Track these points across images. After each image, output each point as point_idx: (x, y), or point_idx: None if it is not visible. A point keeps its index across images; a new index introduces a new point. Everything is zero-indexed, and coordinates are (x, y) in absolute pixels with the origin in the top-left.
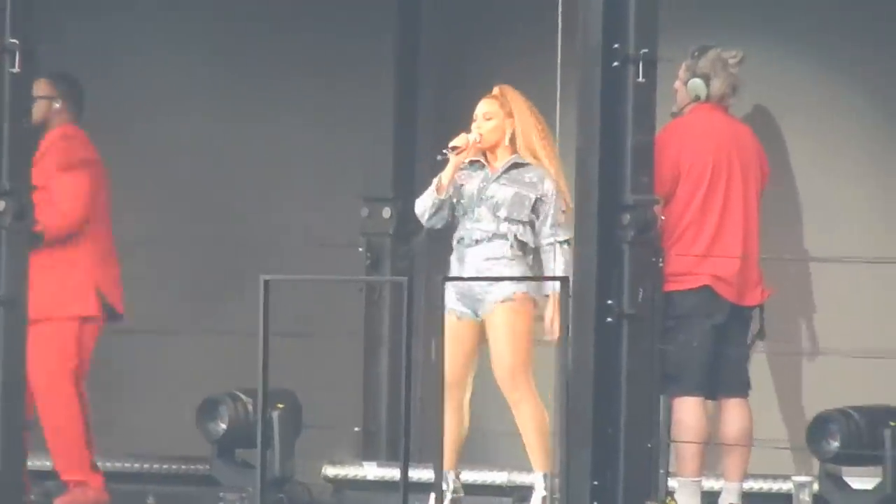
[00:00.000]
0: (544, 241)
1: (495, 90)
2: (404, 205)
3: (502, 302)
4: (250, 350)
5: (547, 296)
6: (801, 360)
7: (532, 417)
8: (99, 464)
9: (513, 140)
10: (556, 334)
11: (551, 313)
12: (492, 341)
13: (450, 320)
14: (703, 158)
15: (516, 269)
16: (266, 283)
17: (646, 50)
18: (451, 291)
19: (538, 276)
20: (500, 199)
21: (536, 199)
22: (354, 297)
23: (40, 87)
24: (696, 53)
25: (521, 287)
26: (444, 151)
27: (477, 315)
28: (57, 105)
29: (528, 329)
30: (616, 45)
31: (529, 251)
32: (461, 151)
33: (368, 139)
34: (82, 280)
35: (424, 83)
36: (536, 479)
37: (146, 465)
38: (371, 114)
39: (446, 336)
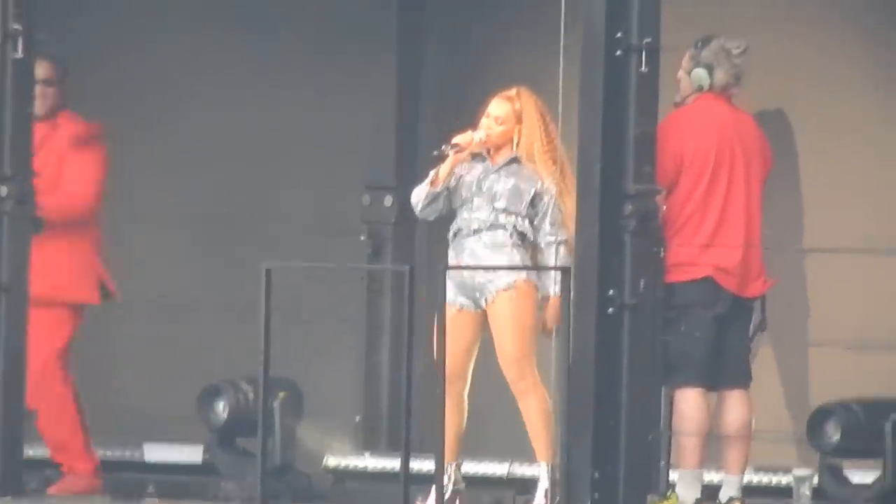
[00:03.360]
0: (543, 241)
1: (513, 91)
2: (406, 193)
3: (505, 290)
4: (251, 337)
5: (547, 298)
6: (802, 352)
7: (537, 407)
8: (99, 452)
9: (518, 145)
10: (550, 330)
11: (549, 313)
12: (495, 331)
13: (449, 313)
14: (706, 148)
15: (517, 257)
16: (268, 270)
17: (649, 39)
18: (449, 284)
19: (539, 266)
20: (499, 191)
21: (535, 194)
22: (356, 286)
23: (44, 70)
24: (700, 43)
25: (522, 274)
26: (444, 147)
27: (478, 306)
28: (61, 88)
29: (532, 316)
30: (619, 35)
31: (529, 243)
32: (462, 150)
33: (371, 126)
34: (86, 267)
35: (427, 70)
36: (541, 470)
37: (146, 453)
38: (373, 101)
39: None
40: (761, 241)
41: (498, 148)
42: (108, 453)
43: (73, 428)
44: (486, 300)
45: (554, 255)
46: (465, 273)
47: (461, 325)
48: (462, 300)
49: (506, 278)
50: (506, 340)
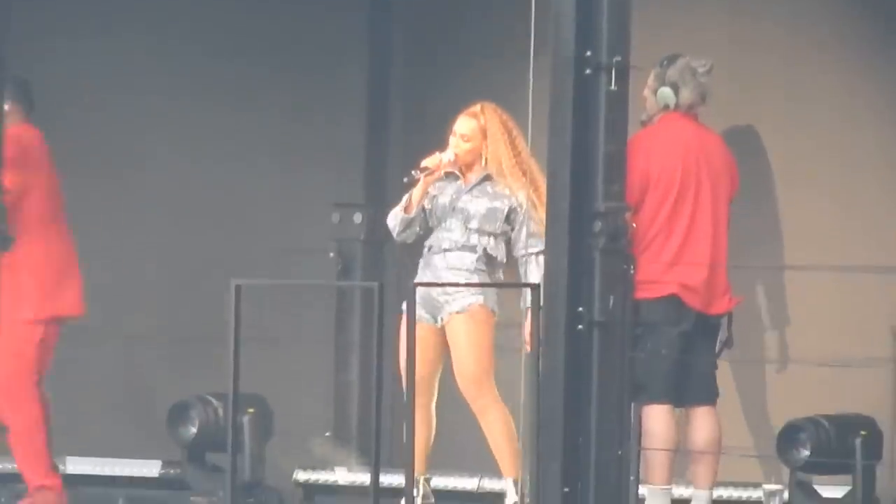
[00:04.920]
0: (519, 253)
1: (477, 107)
2: (375, 210)
3: (458, 312)
4: (221, 354)
5: (527, 308)
6: (769, 369)
7: (498, 424)
8: (71, 467)
9: (487, 161)
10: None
11: (529, 326)
12: (453, 350)
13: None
14: (672, 167)
15: (476, 281)
16: (238, 287)
17: (618, 58)
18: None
19: (508, 283)
20: (473, 212)
21: (510, 210)
22: (325, 303)
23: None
24: (666, 62)
25: (478, 299)
26: (414, 172)
27: (436, 321)
28: (6, 107)
29: (489, 338)
30: (588, 53)
31: (497, 266)
32: (432, 172)
33: (339, 144)
34: (34, 282)
35: (396, 87)
36: (507, 486)
37: (117, 469)
38: (342, 119)
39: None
40: (727, 259)
41: (469, 166)
42: (85, 468)
43: (41, 447)
44: (441, 318)
45: (530, 266)
46: (427, 288)
47: (423, 338)
48: (422, 313)
49: (461, 301)
50: (463, 360)
